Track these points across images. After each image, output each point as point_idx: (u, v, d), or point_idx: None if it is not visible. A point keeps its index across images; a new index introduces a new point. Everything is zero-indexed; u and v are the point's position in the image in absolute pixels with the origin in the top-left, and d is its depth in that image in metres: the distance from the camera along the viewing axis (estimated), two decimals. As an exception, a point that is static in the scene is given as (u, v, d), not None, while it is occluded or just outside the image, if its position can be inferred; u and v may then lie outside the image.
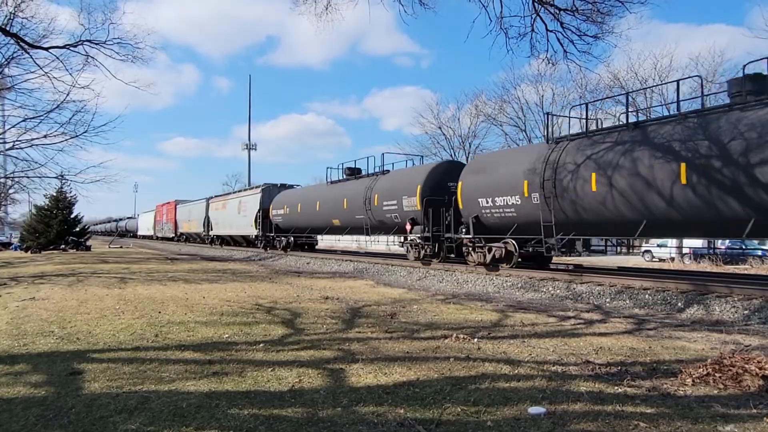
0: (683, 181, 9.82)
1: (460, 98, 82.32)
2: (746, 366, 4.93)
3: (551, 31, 9.18)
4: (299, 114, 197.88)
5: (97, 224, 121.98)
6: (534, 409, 4.03)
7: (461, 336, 6.85)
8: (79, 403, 4.27)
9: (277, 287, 13.36)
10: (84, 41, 14.61)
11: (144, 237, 70.13)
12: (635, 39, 49.71)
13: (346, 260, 21.49)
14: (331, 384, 4.83)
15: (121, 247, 45.77)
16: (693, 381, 4.83)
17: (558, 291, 11.94)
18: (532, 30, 9.26)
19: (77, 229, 41.48)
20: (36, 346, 6.51)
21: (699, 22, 73.89)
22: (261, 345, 6.48)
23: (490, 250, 15.13)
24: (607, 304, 10.44)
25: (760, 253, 22.28)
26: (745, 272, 16.26)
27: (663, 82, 30.66)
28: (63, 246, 37.23)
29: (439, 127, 44.13)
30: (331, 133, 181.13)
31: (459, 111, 49.98)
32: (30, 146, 17.42)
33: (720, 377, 4.82)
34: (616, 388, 4.67)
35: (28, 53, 15.06)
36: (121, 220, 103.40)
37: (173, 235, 51.84)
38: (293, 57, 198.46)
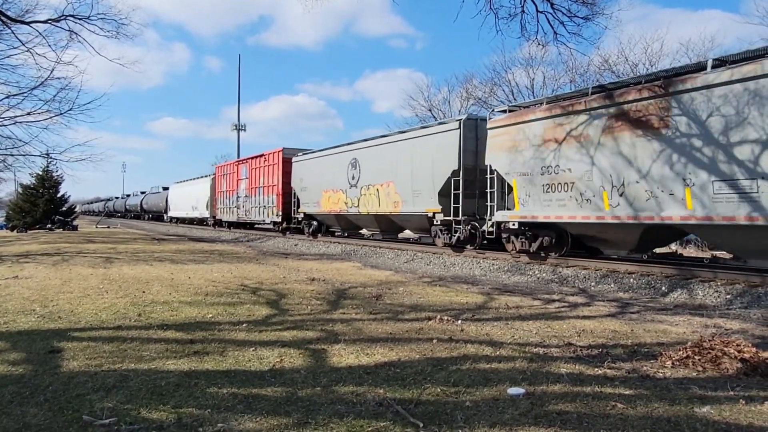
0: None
1: (451, 81, 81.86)
2: (725, 349, 4.97)
3: (541, 12, 9.11)
4: (290, 95, 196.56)
5: (91, 203, 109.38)
6: (513, 390, 4.04)
7: (445, 318, 6.86)
8: (56, 381, 4.22)
9: (264, 268, 13.32)
10: (67, 16, 14.33)
11: (183, 221, 44.88)
12: (630, 22, 49.64)
13: (333, 242, 21.47)
14: (313, 364, 4.82)
15: (108, 227, 45.41)
16: (673, 363, 4.86)
17: (544, 274, 11.99)
18: (522, 11, 9.18)
19: (64, 208, 41.10)
20: (16, 324, 6.45)
21: (695, 7, 73.60)
22: (244, 325, 6.45)
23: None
24: (592, 288, 10.50)
25: None
26: (731, 257, 16.45)
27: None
28: (49, 225, 36.86)
29: (429, 110, 43.88)
30: (323, 115, 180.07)
31: (450, 94, 49.66)
32: (14, 123, 17.16)
33: (699, 360, 4.86)
34: (596, 369, 4.69)
35: (10, 28, 14.76)
36: (129, 196, 75.02)
37: (278, 219, 25.95)
38: (286, 37, 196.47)
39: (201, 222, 40.18)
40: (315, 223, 23.68)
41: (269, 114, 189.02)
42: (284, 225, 25.85)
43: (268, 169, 27.11)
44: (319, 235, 23.55)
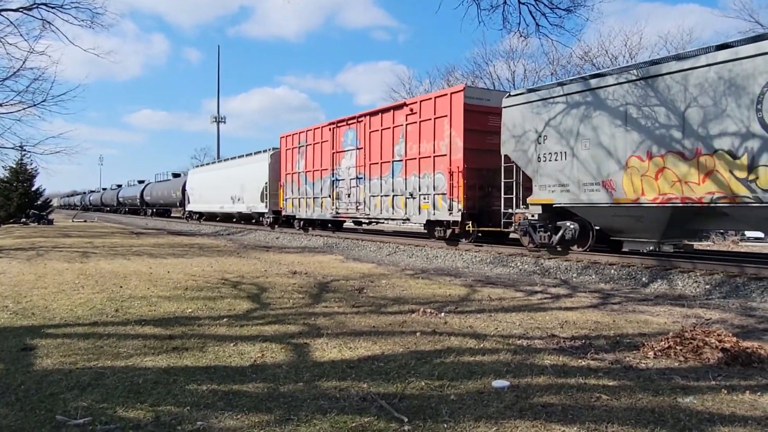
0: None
1: (432, 74, 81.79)
2: (706, 339, 5.00)
3: (523, 3, 9.06)
4: (272, 88, 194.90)
5: (70, 196, 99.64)
6: (498, 383, 4.01)
7: (428, 311, 6.82)
8: (28, 380, 4.09)
9: (245, 262, 13.16)
10: (39, 4, 13.94)
11: (213, 218, 34.77)
12: (611, 15, 49.93)
13: (315, 235, 21.33)
14: (295, 359, 4.74)
15: (85, 221, 44.63)
16: (655, 354, 4.88)
17: (526, 266, 12.03)
18: (504, 2, 9.12)
19: (39, 202, 40.30)
20: (-12, 321, 6.26)
21: (673, 1, 74.44)
22: (225, 320, 6.35)
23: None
24: (574, 279, 10.56)
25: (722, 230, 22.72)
26: (708, 248, 16.66)
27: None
28: (24, 220, 36.16)
29: (412, 103, 43.72)
30: (305, 108, 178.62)
31: (432, 86, 49.57)
32: (-15, 115, 16.72)
33: (681, 350, 4.88)
34: (579, 361, 4.68)
35: (-20, 16, 14.32)
36: (121, 187, 62.20)
37: (452, 217, 14.23)
38: (267, 28, 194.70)
39: (248, 219, 29.57)
40: (570, 226, 11.91)
41: (250, 106, 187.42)
42: (468, 227, 14.09)
43: (419, 129, 15.51)
44: (570, 247, 12.39)
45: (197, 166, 37.58)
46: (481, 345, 5.24)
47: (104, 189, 73.78)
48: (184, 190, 37.66)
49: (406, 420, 3.31)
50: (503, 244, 14.50)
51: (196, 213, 36.07)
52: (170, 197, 41.61)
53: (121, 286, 8.83)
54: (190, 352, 4.90)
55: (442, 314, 6.72)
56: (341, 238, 19.64)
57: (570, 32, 21.57)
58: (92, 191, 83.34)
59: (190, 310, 6.92)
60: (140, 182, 55.50)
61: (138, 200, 50.65)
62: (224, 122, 57.24)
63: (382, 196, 17.16)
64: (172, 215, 45.21)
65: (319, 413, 3.44)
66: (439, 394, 3.82)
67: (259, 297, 8.06)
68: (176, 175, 43.91)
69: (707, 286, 9.06)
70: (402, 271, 11.64)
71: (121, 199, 58.43)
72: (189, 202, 36.31)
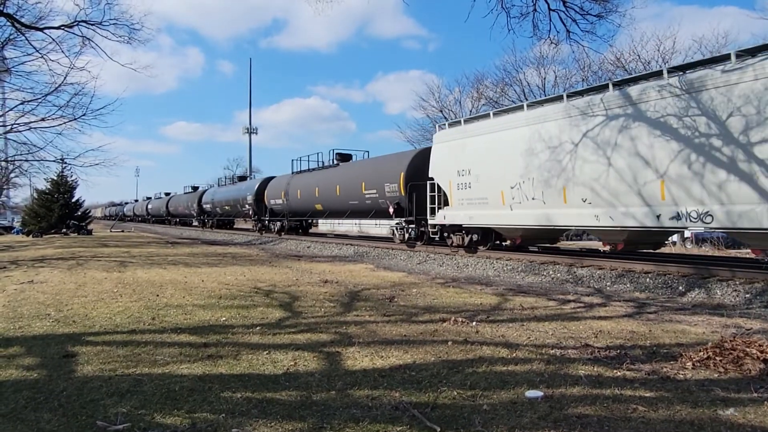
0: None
1: (462, 82, 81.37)
2: (747, 349, 4.86)
3: (553, 10, 9.01)
4: (303, 98, 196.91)
5: (120, 204, 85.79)
6: (531, 393, 3.97)
7: (460, 319, 6.79)
8: (70, 386, 4.22)
9: (277, 271, 13.31)
10: (80, 22, 14.47)
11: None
12: (645, 20, 48.97)
13: (346, 244, 21.43)
14: (327, 367, 4.78)
15: (122, 231, 45.77)
16: (693, 365, 4.76)
17: (559, 274, 11.87)
18: (534, 9, 9.08)
19: (78, 212, 41.50)
20: (31, 328, 6.47)
21: (710, 4, 72.57)
22: (258, 328, 6.43)
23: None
24: (608, 288, 10.37)
25: None
26: (747, 256, 16.16)
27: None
28: (64, 230, 37.27)
29: (441, 111, 43.68)
30: (336, 118, 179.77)
31: (462, 94, 49.24)
32: (28, 129, 17.42)
33: (720, 361, 4.75)
34: (615, 371, 4.60)
35: (24, 35, 14.95)
36: (201, 191, 42.99)
37: None
38: (299, 40, 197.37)
39: None
40: None
41: (281, 117, 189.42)
42: None
43: None
44: None
45: (467, 119, 15.96)
46: (514, 354, 5.19)
47: (168, 194, 57.03)
48: (407, 186, 17.45)
49: (438, 429, 3.31)
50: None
51: (474, 229, 15.55)
52: (364, 200, 20.04)
53: (157, 295, 9.03)
54: (224, 360, 4.98)
55: (474, 323, 6.68)
56: (371, 247, 19.69)
57: (602, 38, 21.33)
58: (155, 196, 65.20)
59: (224, 319, 7.04)
60: (241, 179, 37.52)
61: (248, 207, 31.11)
62: (256, 133, 58.12)
63: None
64: (311, 231, 27.46)
65: (352, 422, 3.46)
66: (472, 403, 3.80)
67: (291, 306, 8.14)
68: (344, 158, 24.27)
69: (747, 295, 8.79)
70: (432, 280, 11.61)
71: (205, 206, 39.49)
72: (445, 205, 16.12)
